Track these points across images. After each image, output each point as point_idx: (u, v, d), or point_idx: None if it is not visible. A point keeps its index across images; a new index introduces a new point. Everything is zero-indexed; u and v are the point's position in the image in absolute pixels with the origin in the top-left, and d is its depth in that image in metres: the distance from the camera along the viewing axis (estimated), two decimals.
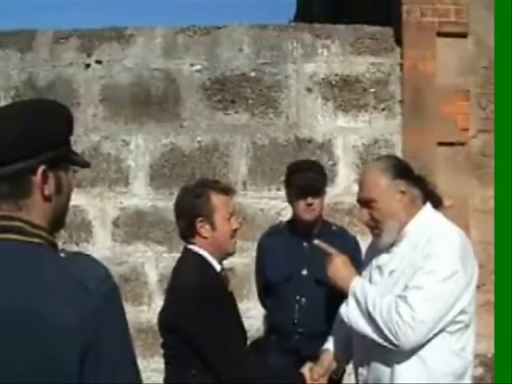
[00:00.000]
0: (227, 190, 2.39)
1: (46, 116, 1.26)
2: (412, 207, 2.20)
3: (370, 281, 2.29)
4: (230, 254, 2.44)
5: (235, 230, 2.37)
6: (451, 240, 2.14)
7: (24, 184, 1.22)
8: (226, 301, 2.31)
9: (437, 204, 2.28)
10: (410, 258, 2.14)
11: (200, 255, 2.31)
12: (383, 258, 2.26)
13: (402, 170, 2.24)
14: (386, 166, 2.23)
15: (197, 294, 2.18)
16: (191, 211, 2.30)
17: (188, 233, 2.33)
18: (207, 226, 2.29)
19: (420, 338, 2.03)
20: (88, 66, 4.16)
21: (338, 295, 2.59)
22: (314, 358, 2.57)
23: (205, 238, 2.30)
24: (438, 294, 2.03)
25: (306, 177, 2.91)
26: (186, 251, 2.36)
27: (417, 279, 2.06)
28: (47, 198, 1.24)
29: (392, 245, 2.24)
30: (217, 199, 2.31)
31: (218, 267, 2.34)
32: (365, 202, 2.23)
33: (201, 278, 2.24)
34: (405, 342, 2.03)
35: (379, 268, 2.26)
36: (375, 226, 2.22)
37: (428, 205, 2.25)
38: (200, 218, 2.29)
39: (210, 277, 2.28)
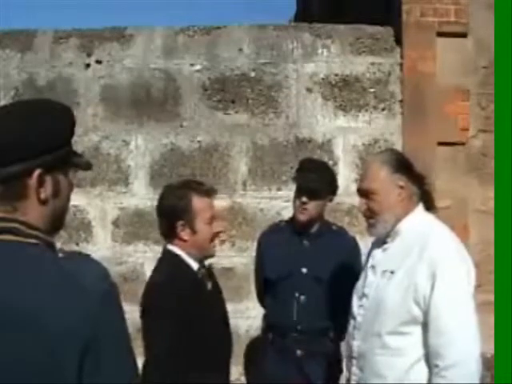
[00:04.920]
0: (210, 193, 2.38)
1: (45, 117, 1.25)
2: (409, 203, 2.24)
3: (365, 280, 2.32)
4: (210, 257, 2.44)
5: (217, 233, 2.38)
6: (451, 247, 2.16)
7: (19, 187, 1.21)
8: (198, 301, 2.28)
9: (429, 206, 2.31)
10: (409, 265, 2.15)
11: (178, 256, 2.33)
12: (377, 257, 2.30)
13: (403, 165, 2.27)
14: (388, 160, 2.26)
15: (158, 295, 2.21)
16: (172, 214, 2.31)
17: (168, 234, 2.36)
18: (187, 230, 2.31)
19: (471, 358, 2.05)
20: (88, 65, 4.16)
21: (338, 293, 2.61)
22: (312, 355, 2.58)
23: (185, 241, 2.31)
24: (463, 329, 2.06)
25: (305, 176, 2.91)
26: (165, 252, 2.38)
27: (435, 318, 2.06)
28: (43, 202, 1.23)
29: (384, 242, 2.27)
30: (199, 202, 2.31)
31: (195, 266, 2.35)
32: (364, 193, 2.27)
33: (168, 279, 2.25)
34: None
35: (373, 267, 2.29)
36: (370, 217, 2.25)
37: (421, 205, 2.27)
38: (181, 222, 2.30)
39: (181, 279, 2.27)
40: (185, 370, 2.15)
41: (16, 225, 1.20)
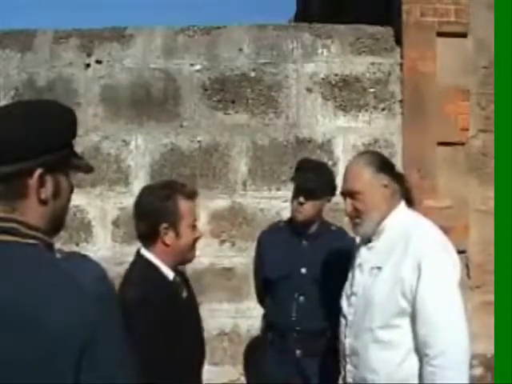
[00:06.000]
0: (194, 195, 2.24)
1: (46, 117, 1.24)
2: (392, 200, 2.29)
3: (353, 279, 2.36)
4: (188, 262, 2.31)
5: (197, 239, 2.25)
6: (434, 239, 2.21)
7: (19, 186, 1.20)
8: (173, 315, 2.14)
9: (410, 203, 2.36)
10: (394, 260, 2.19)
11: (153, 265, 2.18)
12: (363, 255, 2.34)
13: (384, 165, 2.34)
14: (370, 160, 2.32)
15: (133, 316, 1.94)
16: (156, 215, 2.15)
17: (149, 237, 2.19)
18: (171, 233, 2.16)
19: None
20: (88, 65, 4.16)
21: (337, 294, 2.61)
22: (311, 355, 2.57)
23: (167, 245, 2.16)
24: (450, 322, 2.09)
25: (303, 176, 2.91)
26: (139, 257, 2.23)
27: (421, 308, 2.10)
28: (43, 202, 1.22)
29: (369, 240, 2.32)
30: (185, 205, 2.17)
31: (170, 275, 2.20)
32: (349, 194, 2.31)
33: (143, 297, 2.06)
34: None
35: (360, 265, 2.34)
36: (357, 216, 2.30)
37: (403, 202, 2.33)
38: (165, 225, 2.15)
39: (157, 296, 2.10)
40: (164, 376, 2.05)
41: (14, 225, 1.19)
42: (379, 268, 2.22)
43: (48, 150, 1.21)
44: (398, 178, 2.35)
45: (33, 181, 1.20)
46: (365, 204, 2.27)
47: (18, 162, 1.19)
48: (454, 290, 2.13)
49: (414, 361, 2.14)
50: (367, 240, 2.34)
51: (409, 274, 2.12)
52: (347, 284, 2.41)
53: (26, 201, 1.21)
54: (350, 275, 2.42)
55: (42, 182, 1.21)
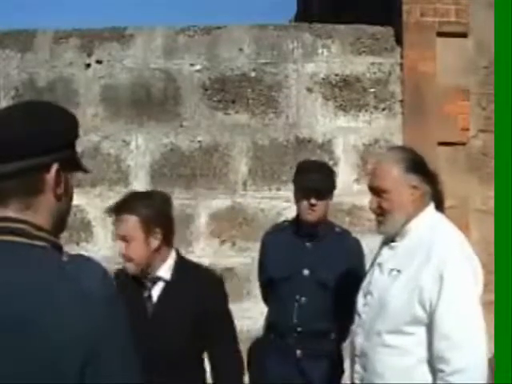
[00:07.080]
0: (114, 210, 2.40)
1: (54, 117, 1.24)
2: (420, 203, 2.19)
3: (372, 278, 2.29)
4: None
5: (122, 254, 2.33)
6: (458, 248, 2.12)
7: (35, 181, 1.18)
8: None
9: (439, 206, 2.26)
10: (415, 265, 2.11)
11: None
12: (384, 255, 2.26)
13: (415, 164, 2.21)
14: (400, 158, 2.21)
15: None
16: None
17: None
18: None
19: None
20: (88, 65, 4.16)
21: (339, 296, 2.60)
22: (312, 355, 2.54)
23: None
24: (467, 336, 2.02)
25: (311, 178, 2.89)
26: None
27: (440, 322, 2.02)
28: (59, 198, 1.21)
29: (393, 240, 2.24)
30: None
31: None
32: (376, 191, 2.22)
33: None
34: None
35: (380, 265, 2.26)
36: (380, 214, 2.21)
37: (432, 204, 2.23)
38: None
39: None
40: None
41: (24, 226, 1.17)
42: (399, 271, 2.14)
43: (61, 145, 1.21)
44: (430, 178, 2.22)
45: (50, 176, 1.19)
46: (390, 203, 2.17)
47: (32, 157, 1.16)
48: (475, 304, 2.04)
49: (425, 371, 2.06)
50: (390, 240, 2.25)
51: (429, 283, 2.03)
52: (365, 282, 2.33)
53: (42, 197, 1.19)
54: (368, 273, 2.34)
55: (58, 177, 1.20)
